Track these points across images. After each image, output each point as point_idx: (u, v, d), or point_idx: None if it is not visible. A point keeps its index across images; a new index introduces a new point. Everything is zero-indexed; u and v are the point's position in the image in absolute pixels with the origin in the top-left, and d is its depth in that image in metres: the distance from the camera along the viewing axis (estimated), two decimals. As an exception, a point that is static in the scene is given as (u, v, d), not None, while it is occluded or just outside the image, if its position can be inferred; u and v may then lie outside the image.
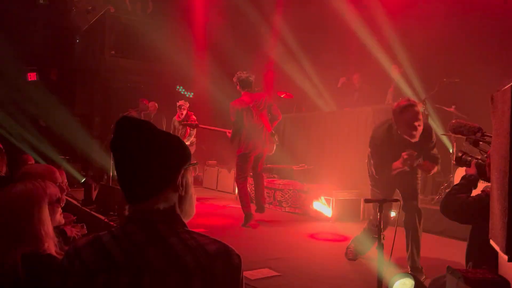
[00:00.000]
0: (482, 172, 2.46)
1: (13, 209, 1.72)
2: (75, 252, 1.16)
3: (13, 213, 1.71)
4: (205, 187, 9.76)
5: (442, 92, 6.65)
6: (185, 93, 11.71)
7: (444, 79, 6.51)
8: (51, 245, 1.78)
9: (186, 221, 1.25)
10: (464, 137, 2.63)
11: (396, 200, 2.62)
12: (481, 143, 2.56)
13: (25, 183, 1.83)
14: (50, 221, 1.82)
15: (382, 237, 2.48)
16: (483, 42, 6.98)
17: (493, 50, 6.82)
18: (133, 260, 1.11)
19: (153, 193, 1.19)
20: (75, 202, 6.88)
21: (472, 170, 2.51)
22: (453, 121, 2.75)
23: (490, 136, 2.57)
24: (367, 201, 2.68)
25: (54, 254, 1.77)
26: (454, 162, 2.68)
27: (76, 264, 1.14)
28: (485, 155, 2.49)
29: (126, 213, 1.21)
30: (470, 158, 2.57)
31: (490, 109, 1.83)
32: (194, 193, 1.30)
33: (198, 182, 10.03)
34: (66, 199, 5.37)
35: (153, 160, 1.18)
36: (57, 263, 1.65)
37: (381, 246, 2.42)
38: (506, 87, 1.61)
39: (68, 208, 5.41)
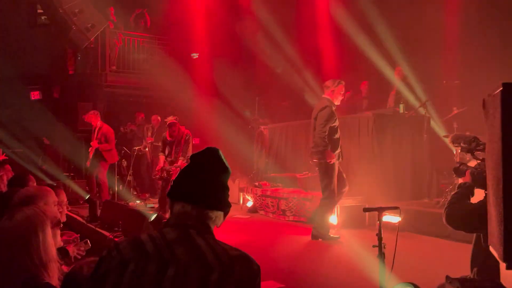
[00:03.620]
0: (477, 180, 2.48)
1: (15, 238, 1.70)
2: (115, 246, 1.33)
3: (15, 241, 1.69)
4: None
5: (443, 94, 6.63)
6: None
7: (445, 81, 6.50)
8: (55, 269, 1.76)
9: None
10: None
11: (396, 208, 2.59)
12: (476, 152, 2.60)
13: (24, 209, 1.81)
14: (53, 245, 1.81)
15: (383, 246, 2.45)
16: (483, 43, 6.96)
17: (493, 50, 6.79)
18: (162, 254, 1.26)
19: (213, 205, 1.38)
20: (79, 219, 6.88)
21: (467, 178, 2.53)
22: (453, 134, 2.82)
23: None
24: (366, 210, 2.65)
25: (56, 280, 1.75)
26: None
27: (114, 254, 1.29)
28: (479, 163, 2.52)
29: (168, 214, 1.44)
30: (466, 168, 2.60)
31: (483, 114, 1.82)
32: None
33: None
34: (71, 216, 5.36)
35: (223, 185, 1.43)
36: None
37: (382, 255, 2.39)
38: (496, 92, 1.60)
39: (72, 225, 5.43)
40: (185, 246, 1.28)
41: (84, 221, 6.65)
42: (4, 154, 8.29)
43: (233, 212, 7.77)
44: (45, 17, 10.77)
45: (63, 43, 10.57)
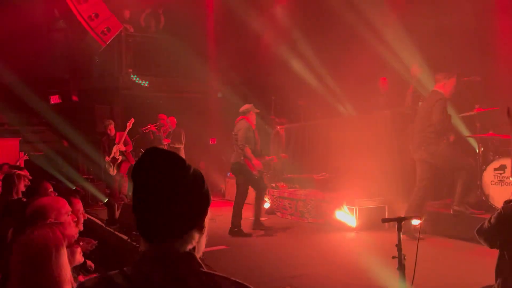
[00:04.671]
0: None
1: (31, 257, 1.68)
2: None
3: (31, 260, 1.68)
4: (227, 199, 9.73)
5: (463, 92, 6.43)
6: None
7: (465, 79, 6.30)
8: None
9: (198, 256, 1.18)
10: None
11: (416, 217, 2.50)
12: None
13: (43, 229, 1.78)
14: (68, 265, 1.77)
15: (403, 257, 2.38)
16: (503, 38, 6.74)
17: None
18: None
19: (179, 234, 1.11)
20: (99, 222, 6.96)
21: None
22: None
23: None
24: (384, 220, 2.57)
25: None
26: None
27: None
28: None
29: (142, 248, 1.13)
30: None
31: (508, 122, 1.73)
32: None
33: (220, 194, 10.01)
34: (90, 219, 5.42)
35: (184, 199, 1.11)
36: None
37: (402, 267, 2.31)
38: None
39: (91, 228, 5.48)
40: None
41: (102, 224, 6.73)
42: (26, 154, 8.48)
43: (251, 214, 7.76)
44: (63, 21, 10.94)
45: (80, 47, 10.71)
